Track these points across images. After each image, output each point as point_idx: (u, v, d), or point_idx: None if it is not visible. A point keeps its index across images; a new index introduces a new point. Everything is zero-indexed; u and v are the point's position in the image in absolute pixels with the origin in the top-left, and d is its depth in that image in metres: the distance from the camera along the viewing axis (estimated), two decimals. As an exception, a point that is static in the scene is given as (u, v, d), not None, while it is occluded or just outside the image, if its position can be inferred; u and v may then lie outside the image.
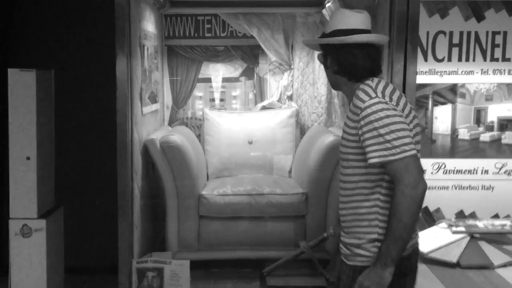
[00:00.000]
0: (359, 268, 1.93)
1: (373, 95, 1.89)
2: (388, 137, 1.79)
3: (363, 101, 1.88)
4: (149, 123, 3.70)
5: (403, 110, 1.89)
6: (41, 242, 3.13)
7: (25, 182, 3.10)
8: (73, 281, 3.69)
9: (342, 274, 2.01)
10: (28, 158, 3.11)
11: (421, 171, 1.82)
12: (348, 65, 1.98)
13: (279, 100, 4.39)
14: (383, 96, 1.88)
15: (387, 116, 1.82)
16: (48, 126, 3.30)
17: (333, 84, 2.10)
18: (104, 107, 3.37)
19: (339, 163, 3.44)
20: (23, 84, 3.07)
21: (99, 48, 3.82)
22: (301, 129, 4.32)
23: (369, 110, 1.84)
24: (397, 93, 1.94)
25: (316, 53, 4.07)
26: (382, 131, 1.80)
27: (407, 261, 1.94)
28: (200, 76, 4.48)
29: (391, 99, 1.89)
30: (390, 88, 1.93)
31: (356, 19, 2.00)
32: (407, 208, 1.76)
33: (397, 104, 1.89)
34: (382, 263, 1.82)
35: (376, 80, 1.96)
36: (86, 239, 3.95)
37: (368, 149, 1.83)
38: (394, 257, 1.81)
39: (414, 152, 1.80)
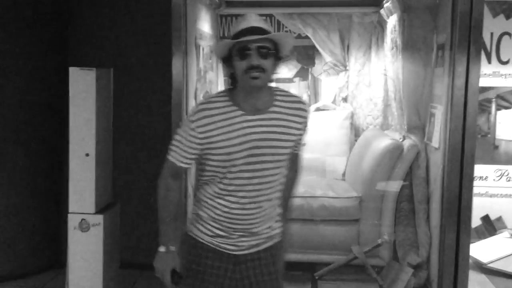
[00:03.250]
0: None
1: None
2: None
3: None
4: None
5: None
6: (98, 237, 3.20)
7: (84, 178, 3.18)
8: (129, 276, 3.76)
9: None
10: (87, 155, 3.18)
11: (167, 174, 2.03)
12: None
13: (333, 102, 4.33)
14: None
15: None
16: (106, 124, 3.37)
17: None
18: (160, 106, 3.41)
19: (395, 167, 3.38)
20: (83, 83, 3.15)
21: (156, 48, 3.88)
22: (356, 132, 4.24)
23: None
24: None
25: (376, 56, 3.94)
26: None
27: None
28: (254, 76, 4.46)
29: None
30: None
31: None
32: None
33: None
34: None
35: None
36: (141, 235, 4.01)
37: None
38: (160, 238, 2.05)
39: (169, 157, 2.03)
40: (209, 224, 2.02)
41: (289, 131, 1.97)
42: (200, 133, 1.92)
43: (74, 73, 3.15)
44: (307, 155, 3.99)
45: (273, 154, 1.94)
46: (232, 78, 1.97)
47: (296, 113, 1.99)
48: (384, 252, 3.44)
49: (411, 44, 3.47)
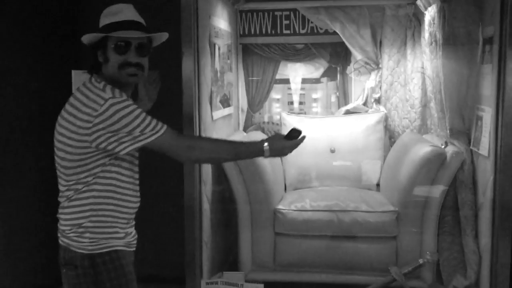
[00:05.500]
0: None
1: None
2: None
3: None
4: (221, 129, 3.40)
5: None
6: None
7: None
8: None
9: None
10: None
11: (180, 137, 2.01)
12: None
13: (365, 104, 3.95)
14: None
15: None
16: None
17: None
18: (172, 111, 3.11)
19: (436, 178, 3.01)
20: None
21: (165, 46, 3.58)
22: (391, 136, 3.86)
23: None
24: None
25: (412, 52, 3.54)
26: None
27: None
28: (277, 77, 4.13)
29: None
30: None
31: None
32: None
33: None
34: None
35: None
36: (150, 249, 3.70)
37: None
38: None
39: None
40: (117, 223, 1.93)
41: None
42: None
43: (77, 76, 2.98)
44: (337, 163, 3.70)
45: None
46: (97, 67, 1.90)
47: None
48: (427, 273, 3.06)
49: (453, 39, 3.09)
